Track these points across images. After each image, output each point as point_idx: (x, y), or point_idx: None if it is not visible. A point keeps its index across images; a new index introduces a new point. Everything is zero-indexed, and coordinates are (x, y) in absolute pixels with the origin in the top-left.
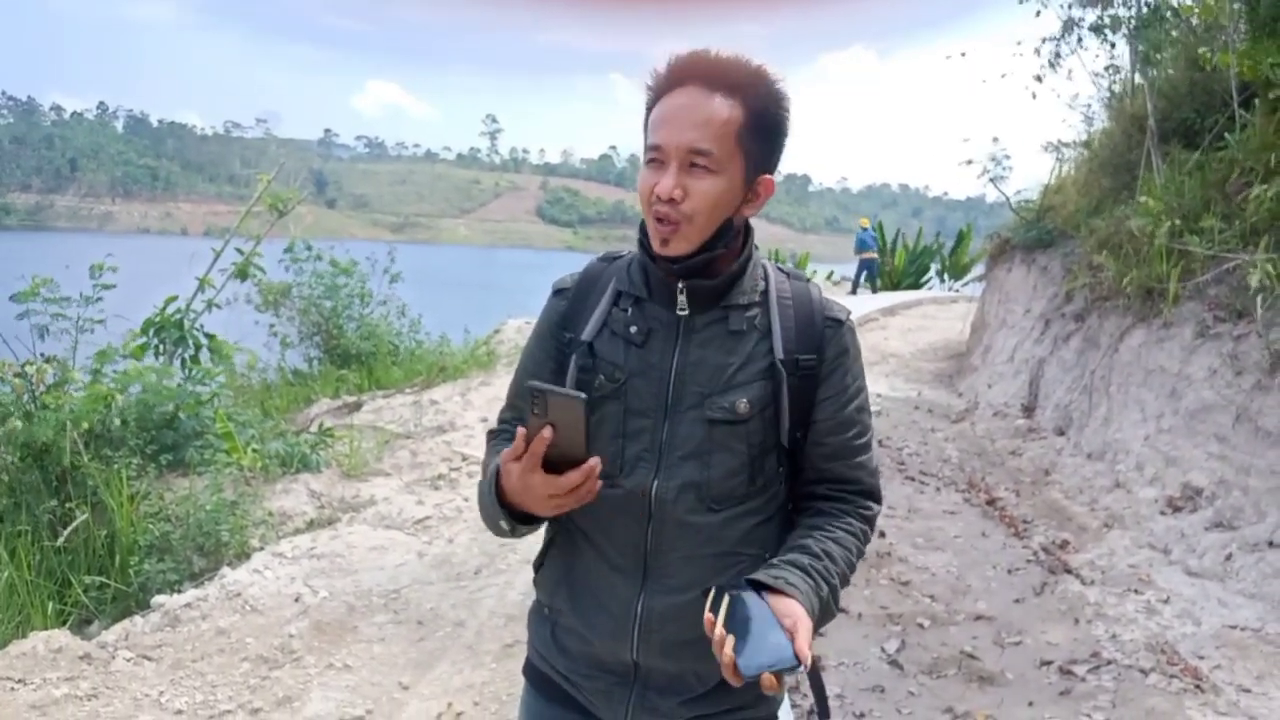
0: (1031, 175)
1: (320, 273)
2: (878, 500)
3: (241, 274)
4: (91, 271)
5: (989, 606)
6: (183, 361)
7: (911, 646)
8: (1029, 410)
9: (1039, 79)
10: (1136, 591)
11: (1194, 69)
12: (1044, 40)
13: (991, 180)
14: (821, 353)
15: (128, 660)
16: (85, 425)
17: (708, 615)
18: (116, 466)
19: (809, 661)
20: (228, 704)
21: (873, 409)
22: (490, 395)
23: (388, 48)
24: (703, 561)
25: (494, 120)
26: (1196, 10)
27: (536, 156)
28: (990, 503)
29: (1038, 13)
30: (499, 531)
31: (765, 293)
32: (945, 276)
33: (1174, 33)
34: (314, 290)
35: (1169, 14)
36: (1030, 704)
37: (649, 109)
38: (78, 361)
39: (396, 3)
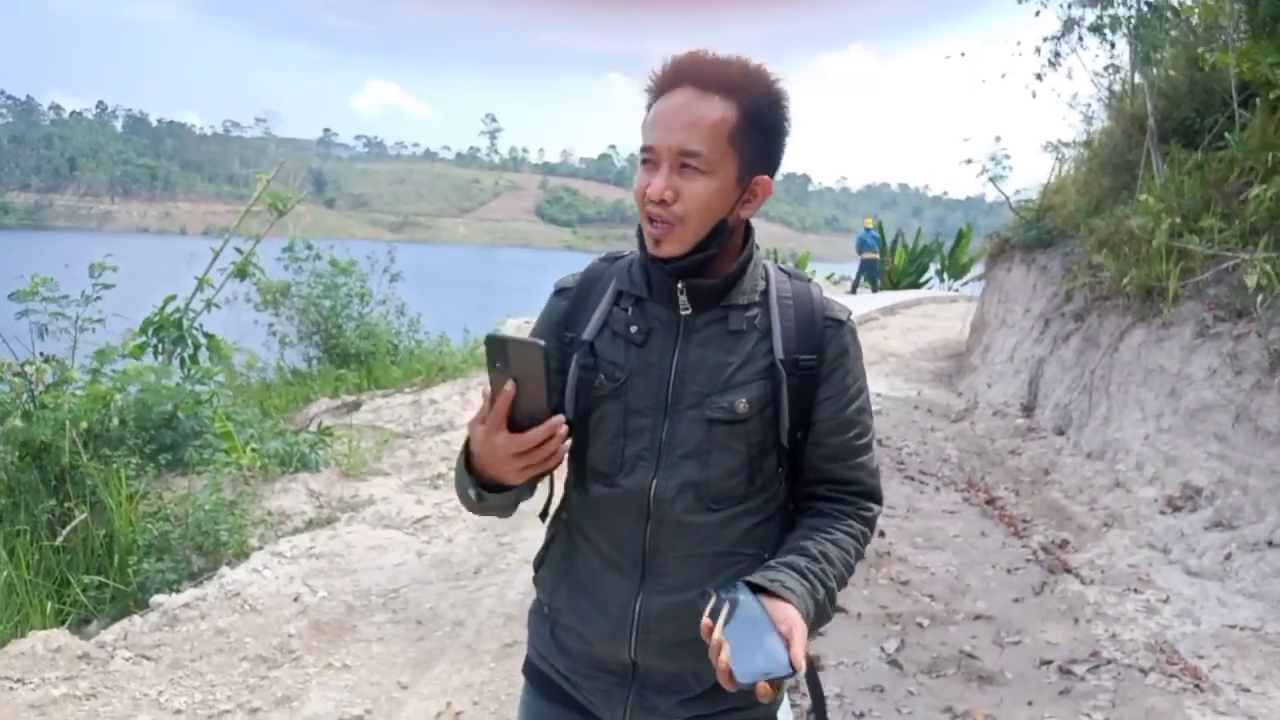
0: (1031, 175)
1: (319, 272)
2: (878, 501)
3: (240, 273)
4: (90, 271)
5: (988, 606)
6: (181, 361)
7: (911, 646)
8: (1028, 410)
9: (1039, 77)
10: (1136, 591)
11: (1194, 69)
12: (1045, 39)
13: (991, 180)
14: (822, 353)
15: (126, 660)
16: (84, 425)
17: (705, 621)
18: (115, 466)
19: (803, 669)
20: (226, 704)
21: (872, 408)
22: None
23: (387, 47)
24: (701, 561)
25: (493, 120)
26: (1196, 10)
27: (536, 156)
28: (990, 502)
29: (1037, 12)
30: (468, 503)
31: (765, 293)
32: (945, 276)
33: (1173, 32)
34: (313, 289)
35: (1169, 14)
36: (1030, 703)
37: (647, 110)
38: (77, 361)
39: (396, 2)
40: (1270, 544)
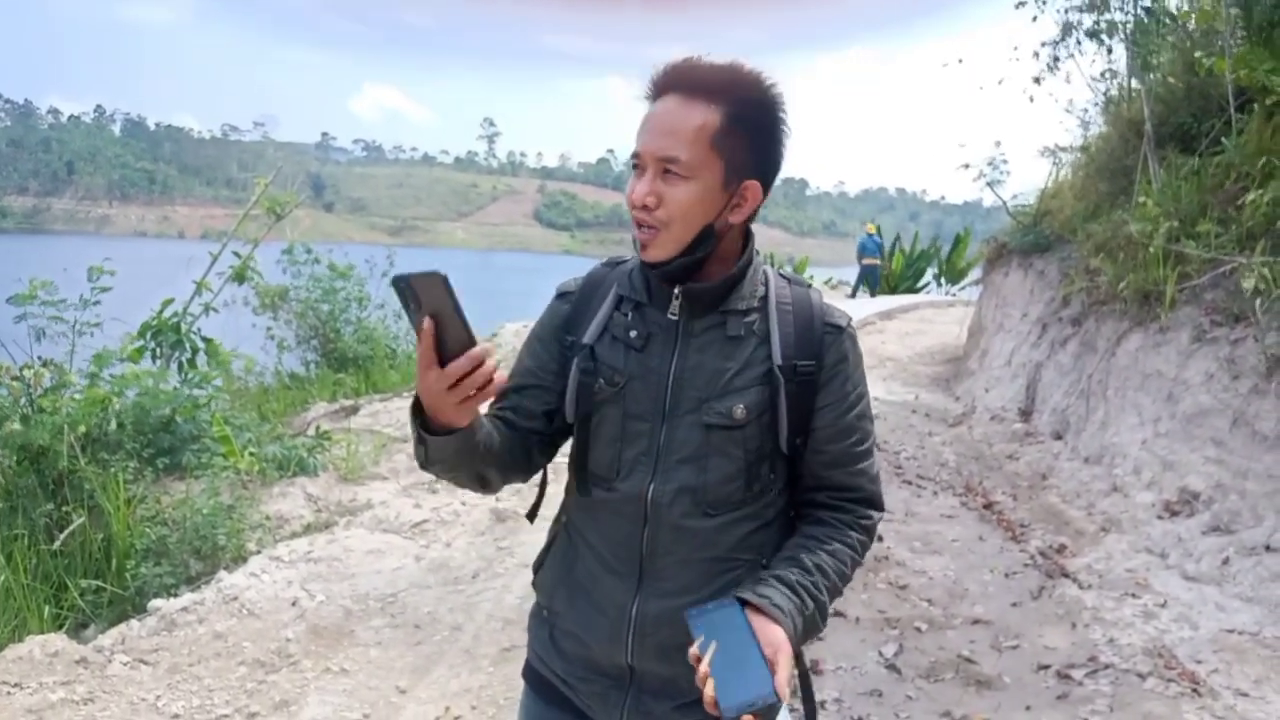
0: (1028, 180)
1: (318, 276)
2: (878, 507)
3: (239, 277)
4: (88, 274)
5: (986, 610)
6: (179, 365)
7: (909, 650)
8: (1026, 414)
9: (1037, 82)
10: (1134, 595)
11: (1190, 74)
12: (1043, 44)
13: (989, 184)
14: (820, 359)
15: (124, 664)
16: (82, 428)
17: (693, 651)
18: (113, 470)
19: (787, 698)
20: (224, 708)
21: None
22: None
23: (385, 50)
24: (699, 566)
25: (492, 124)
26: (1193, 16)
27: (534, 160)
28: (987, 507)
29: (1034, 18)
30: (418, 457)
31: (765, 298)
32: (942, 280)
33: (1170, 38)
34: (311, 293)
35: (1165, 19)
36: (1028, 708)
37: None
38: (75, 365)
39: (394, 5)
40: (1268, 548)
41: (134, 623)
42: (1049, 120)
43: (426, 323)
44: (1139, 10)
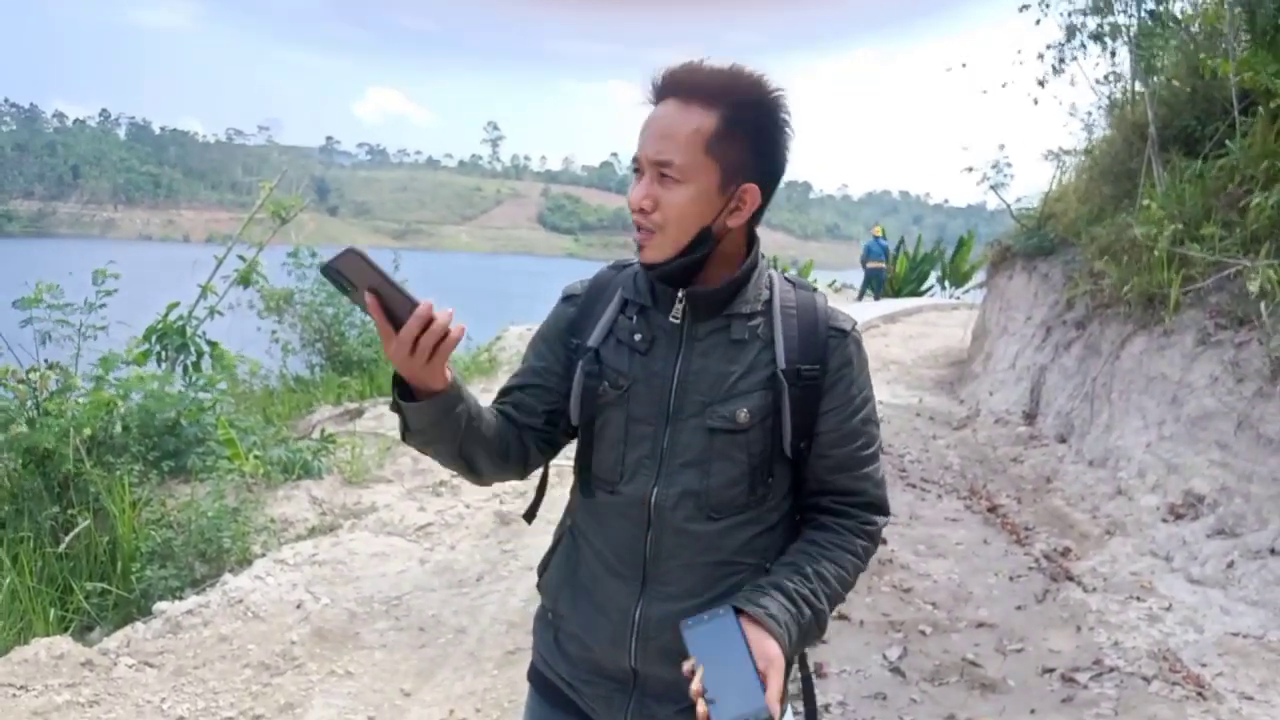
0: (1032, 183)
1: (322, 279)
2: (883, 512)
3: (244, 281)
4: (94, 278)
5: (991, 614)
6: (185, 368)
7: (913, 654)
8: (1030, 417)
9: (1042, 84)
10: (1138, 599)
11: (1194, 77)
12: (1048, 46)
13: (992, 187)
14: (825, 363)
15: (129, 667)
16: (88, 431)
17: (686, 665)
18: (118, 473)
19: (778, 714)
20: (229, 710)
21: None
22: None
23: (386, 54)
24: (701, 570)
25: (495, 127)
26: (1197, 19)
27: (538, 164)
28: (992, 510)
29: (1038, 21)
30: (401, 430)
31: (769, 302)
32: (946, 284)
33: (1174, 41)
34: (316, 297)
35: (1169, 22)
36: (1032, 711)
37: None
38: (80, 368)
39: (397, 8)
40: (1273, 551)
41: (139, 625)
42: (1052, 123)
43: (368, 298)
44: (1143, 13)
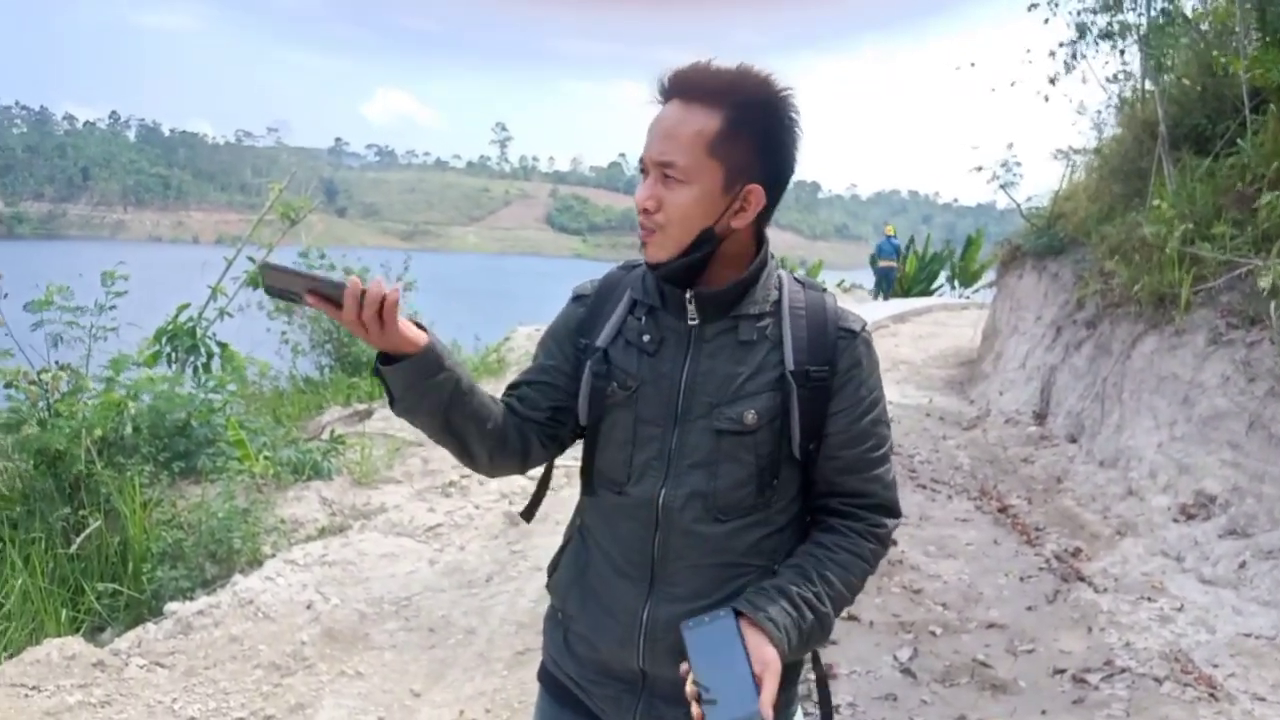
0: (1042, 182)
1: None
2: (894, 514)
3: (253, 282)
4: (104, 280)
5: (1001, 614)
6: (195, 369)
7: (924, 655)
8: (1041, 417)
9: (1053, 81)
10: (1150, 599)
11: (1205, 75)
12: (1060, 44)
13: (1002, 187)
14: (834, 364)
15: (140, 667)
16: (98, 432)
17: (684, 668)
18: (129, 474)
19: (771, 718)
20: (240, 711)
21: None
22: None
23: (392, 55)
24: (709, 571)
25: (503, 128)
26: (1207, 17)
27: (546, 164)
28: (1002, 510)
29: (1046, 20)
30: (389, 400)
31: (778, 303)
32: (956, 283)
33: (1184, 39)
34: None
35: (1180, 20)
36: (1043, 712)
37: None
38: (91, 369)
39: (398, 10)
40: None
41: (150, 626)
42: (1062, 122)
43: (309, 298)
44: (1153, 11)
